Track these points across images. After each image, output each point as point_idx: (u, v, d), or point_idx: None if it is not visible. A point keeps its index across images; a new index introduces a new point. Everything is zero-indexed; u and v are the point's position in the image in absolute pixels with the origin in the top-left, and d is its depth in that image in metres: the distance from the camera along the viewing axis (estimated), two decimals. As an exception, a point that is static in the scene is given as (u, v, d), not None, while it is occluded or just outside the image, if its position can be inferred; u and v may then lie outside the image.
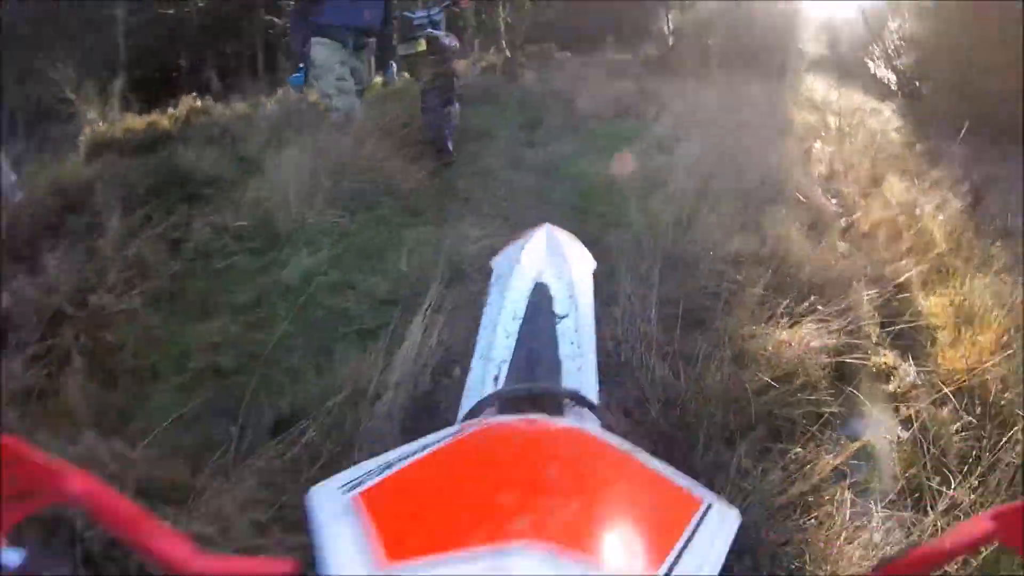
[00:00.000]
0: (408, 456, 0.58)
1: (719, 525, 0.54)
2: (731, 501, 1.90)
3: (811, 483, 2.10)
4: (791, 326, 2.72)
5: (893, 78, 10.46)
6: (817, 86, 9.68)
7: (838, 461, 2.16)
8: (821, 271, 3.23)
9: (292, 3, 4.54)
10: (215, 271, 3.04)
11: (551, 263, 1.21)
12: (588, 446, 0.63)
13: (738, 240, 3.29)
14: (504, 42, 9.70)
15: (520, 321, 1.09)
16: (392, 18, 4.67)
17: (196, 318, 2.74)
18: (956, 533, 0.56)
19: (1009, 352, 2.83)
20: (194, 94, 7.39)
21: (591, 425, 0.88)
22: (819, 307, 2.86)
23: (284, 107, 5.77)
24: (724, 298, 2.88)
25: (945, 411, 2.59)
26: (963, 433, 2.44)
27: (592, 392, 1.01)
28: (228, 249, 3.16)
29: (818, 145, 6.24)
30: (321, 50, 4.23)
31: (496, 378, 1.02)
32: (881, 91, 10.08)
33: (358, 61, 4.50)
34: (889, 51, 10.75)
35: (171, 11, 10.25)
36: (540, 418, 0.71)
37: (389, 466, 0.56)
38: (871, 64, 10.86)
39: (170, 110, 7.09)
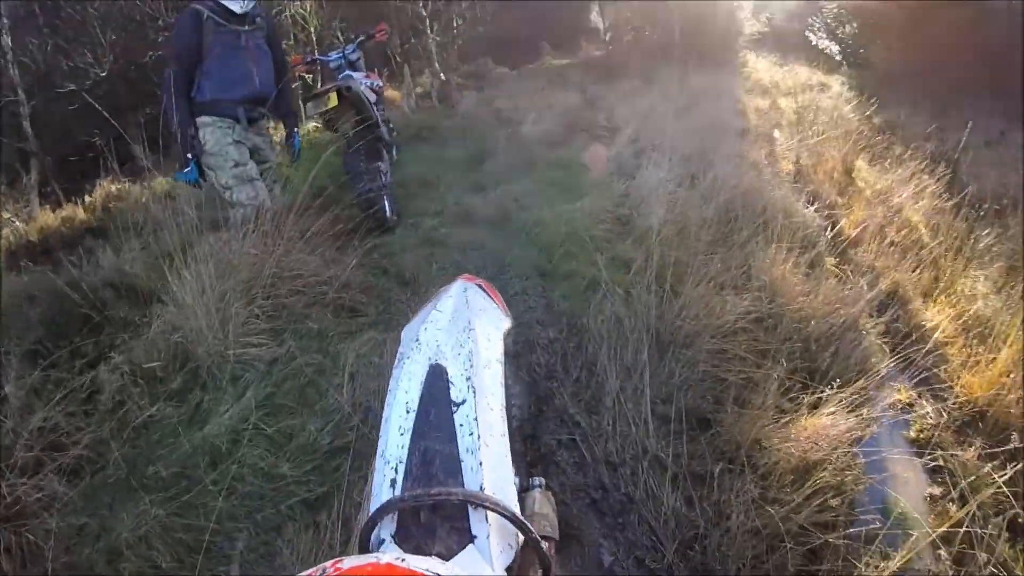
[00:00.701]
0: None
1: None
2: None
3: None
4: (810, 413, 2.37)
5: (836, 48, 10.36)
6: (760, 66, 9.48)
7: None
8: (828, 318, 2.95)
9: (164, 73, 3.58)
10: (134, 430, 2.53)
11: (451, 338, 1.14)
12: None
13: (731, 299, 2.89)
14: (437, 65, 9.20)
15: (414, 415, 1.04)
16: (285, 74, 3.89)
17: (121, 497, 2.28)
18: None
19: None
20: (110, 178, 6.89)
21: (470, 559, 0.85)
22: (836, 380, 2.52)
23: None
24: (731, 385, 2.49)
25: (971, 453, 2.42)
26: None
27: (499, 489, 0.97)
28: (144, 401, 2.62)
29: (779, 138, 6.00)
30: (210, 134, 3.47)
31: (393, 481, 0.99)
32: (827, 64, 9.95)
33: (257, 136, 3.72)
34: (828, 21, 10.66)
35: (72, 87, 9.57)
36: (390, 561, 0.69)
37: None
38: (812, 36, 10.75)
39: (87, 198, 6.62)
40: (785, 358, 2.60)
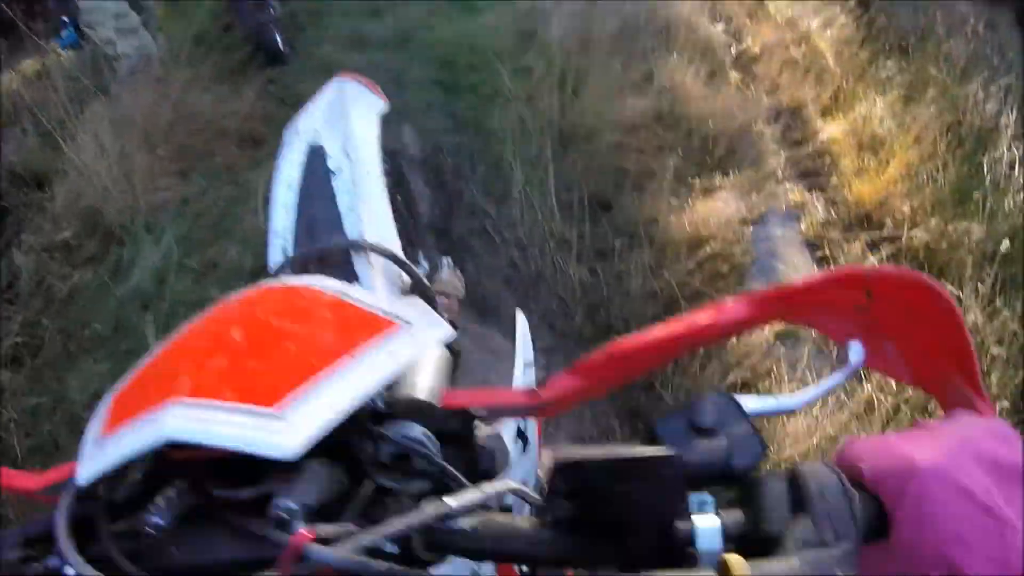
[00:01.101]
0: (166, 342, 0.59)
1: (406, 340, 0.56)
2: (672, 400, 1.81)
3: (750, 362, 2.04)
4: (704, 197, 2.51)
5: None
6: None
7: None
8: (725, 120, 3.02)
9: None
10: (61, 302, 2.53)
11: (328, 123, 1.18)
12: (291, 297, 0.64)
13: (631, 100, 2.96)
14: None
15: (295, 190, 1.09)
16: None
17: (65, 368, 2.31)
18: (695, 317, 0.59)
19: (915, 182, 2.77)
20: None
21: (334, 285, 0.74)
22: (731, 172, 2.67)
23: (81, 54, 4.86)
24: (630, 174, 2.60)
25: (856, 246, 2.56)
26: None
27: (379, 237, 1.01)
28: (63, 270, 2.61)
29: None
30: None
31: (284, 249, 1.06)
32: None
33: None
34: None
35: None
36: (270, 282, 0.69)
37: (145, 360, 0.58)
38: None
39: None
40: (682, 150, 2.72)
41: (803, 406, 0.55)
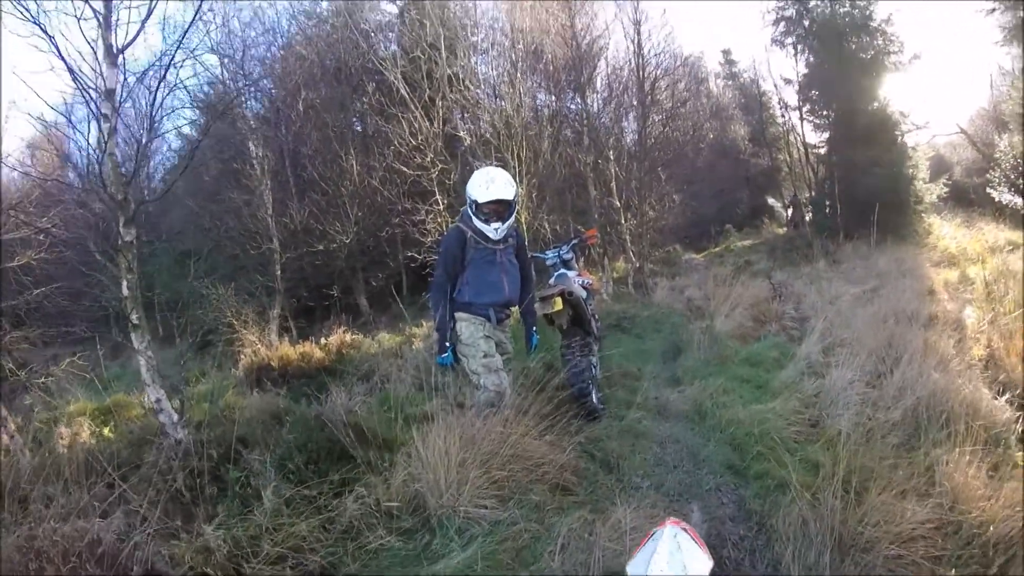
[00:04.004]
0: None
1: None
2: None
3: None
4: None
5: (1020, 201, 9.97)
6: (945, 231, 9.37)
7: None
8: (1007, 522, 3.04)
9: (433, 275, 4.50)
10: (367, 552, 3.05)
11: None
12: None
13: (912, 506, 3.14)
14: (631, 252, 10.16)
15: None
16: (529, 283, 4.63)
17: None
18: None
19: None
20: (344, 328, 8.06)
21: None
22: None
23: (429, 345, 5.92)
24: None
25: None
26: None
27: None
28: (379, 530, 3.16)
29: (969, 314, 5.98)
30: (465, 327, 4.28)
31: None
32: (1013, 218, 9.58)
33: (502, 334, 4.50)
34: (1007, 173, 10.30)
35: (320, 247, 11.76)
36: None
37: None
38: (994, 192, 10.45)
39: (323, 340, 7.70)
40: (961, 564, 2.84)
41: None
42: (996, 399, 4.43)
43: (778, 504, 3.47)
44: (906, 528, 3.05)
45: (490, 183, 4.31)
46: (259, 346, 7.65)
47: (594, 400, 4.83)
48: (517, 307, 4.65)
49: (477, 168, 4.86)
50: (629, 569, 1.59)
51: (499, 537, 3.10)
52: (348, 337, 8.08)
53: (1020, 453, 3.84)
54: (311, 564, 2.88)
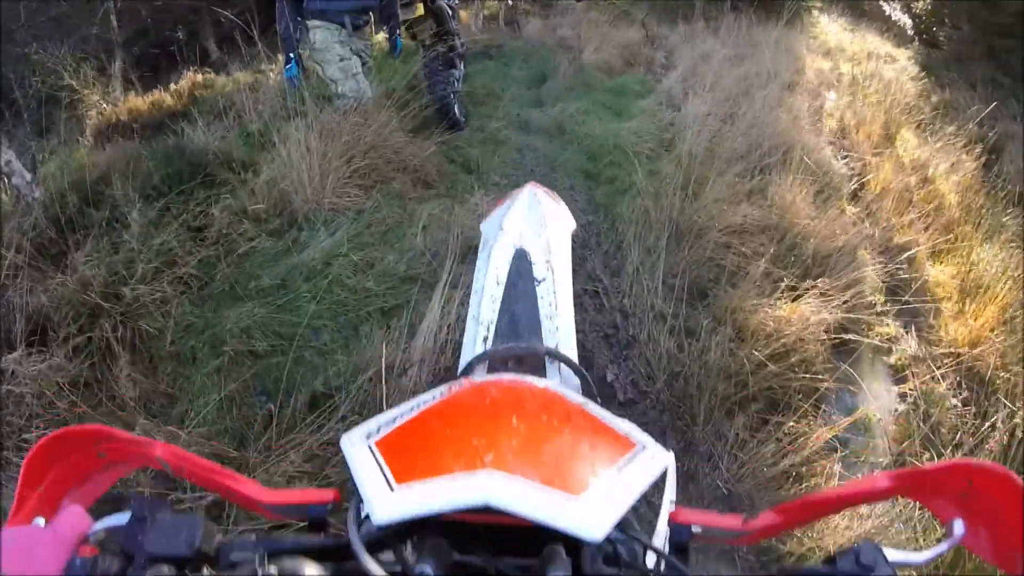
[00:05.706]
0: (412, 409, 0.73)
1: (647, 462, 0.66)
2: (727, 470, 2.10)
3: (804, 455, 2.25)
4: (793, 300, 2.83)
5: (909, 22, 10.23)
6: (830, 28, 9.47)
7: (831, 434, 2.30)
8: (827, 240, 3.30)
9: None
10: (239, 256, 3.09)
11: (531, 229, 1.31)
12: (547, 400, 0.77)
13: (744, 208, 3.37)
14: (505, -11, 9.54)
15: (503, 286, 1.22)
16: None
17: (226, 303, 2.82)
18: (852, 485, 0.70)
19: (1011, 326, 2.95)
20: (194, 68, 7.39)
21: (553, 381, 1.02)
22: (822, 280, 2.95)
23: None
24: (728, 271, 3.00)
25: (943, 386, 2.74)
26: (957, 409, 2.58)
27: (569, 348, 1.16)
28: (249, 233, 3.19)
29: (831, 97, 6.15)
30: (319, 34, 3.95)
31: (485, 339, 1.17)
32: (899, 36, 9.85)
33: (360, 41, 4.22)
34: None
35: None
36: (513, 377, 0.85)
37: (395, 419, 0.71)
38: (886, 6, 10.61)
39: (172, 86, 7.06)
40: (782, 264, 3.06)
41: (927, 563, 0.63)
42: (835, 160, 4.60)
43: (624, 201, 3.64)
44: (736, 220, 3.23)
45: None
46: (104, 105, 6.68)
47: (456, 112, 4.73)
48: (374, 13, 4.24)
49: None
50: (483, 227, 1.43)
51: (364, 223, 3.26)
52: (200, 77, 7.24)
53: (850, 207, 4.04)
54: (185, 275, 2.94)
